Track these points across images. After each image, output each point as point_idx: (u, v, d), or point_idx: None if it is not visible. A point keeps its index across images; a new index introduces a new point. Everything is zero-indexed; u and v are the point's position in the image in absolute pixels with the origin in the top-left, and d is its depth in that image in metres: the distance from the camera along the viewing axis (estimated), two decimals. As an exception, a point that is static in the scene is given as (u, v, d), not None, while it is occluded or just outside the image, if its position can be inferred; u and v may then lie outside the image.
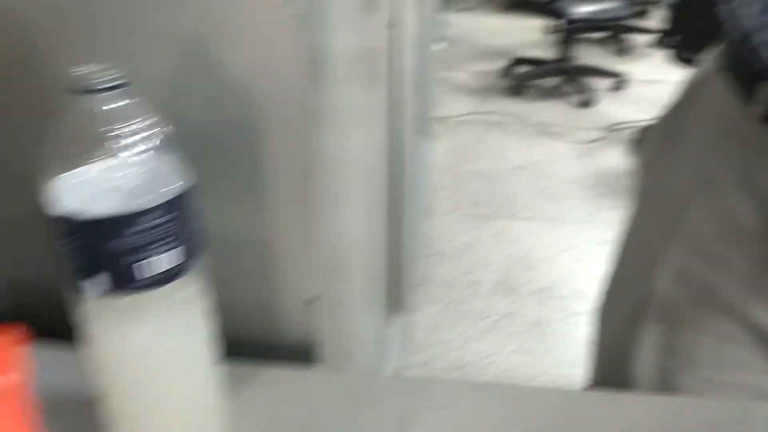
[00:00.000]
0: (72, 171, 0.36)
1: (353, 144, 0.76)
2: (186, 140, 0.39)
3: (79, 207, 0.35)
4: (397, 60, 1.19)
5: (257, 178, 0.49)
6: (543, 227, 2.27)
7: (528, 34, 4.14)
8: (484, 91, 3.43)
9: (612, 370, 0.74)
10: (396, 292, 1.63)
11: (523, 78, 3.46)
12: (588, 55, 3.72)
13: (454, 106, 3.21)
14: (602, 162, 2.69)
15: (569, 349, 1.73)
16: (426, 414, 0.48)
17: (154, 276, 0.37)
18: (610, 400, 0.51)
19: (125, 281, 0.37)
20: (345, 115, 0.67)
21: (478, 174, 2.63)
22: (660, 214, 0.71)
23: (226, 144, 0.48)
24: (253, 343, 0.56)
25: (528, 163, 2.70)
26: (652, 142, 0.74)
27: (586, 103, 3.23)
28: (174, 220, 0.37)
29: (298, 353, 0.57)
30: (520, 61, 3.60)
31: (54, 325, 0.54)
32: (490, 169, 2.66)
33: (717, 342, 0.66)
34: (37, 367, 0.47)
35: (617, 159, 2.68)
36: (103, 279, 0.37)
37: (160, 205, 0.36)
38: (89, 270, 0.36)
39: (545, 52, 3.63)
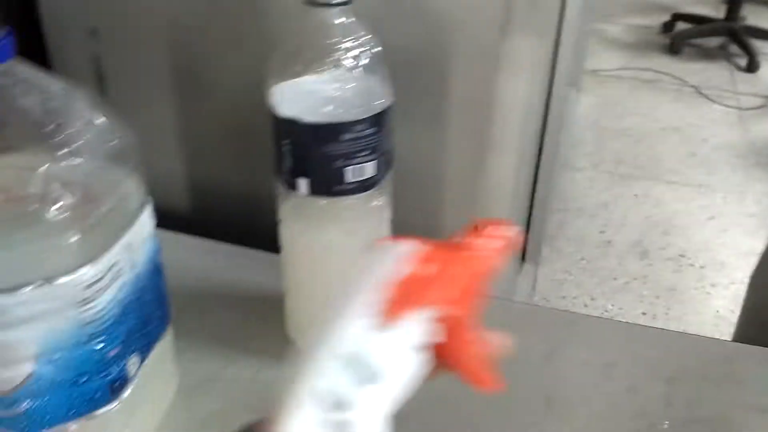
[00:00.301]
0: (297, 79, 0.40)
1: (521, 92, 0.78)
2: (389, 62, 0.42)
3: (300, 112, 0.40)
4: (563, 7, 1.17)
5: (442, 106, 0.52)
6: (688, 193, 2.18)
7: (693, -11, 3.89)
8: (639, 46, 3.28)
9: (763, 331, 0.73)
10: (528, 242, 1.64)
11: (682, 35, 3.27)
12: (757, 15, 3.45)
13: (606, 59, 3.09)
14: (760, 131, 2.52)
15: (701, 318, 1.69)
16: (575, 346, 0.50)
17: (355, 182, 0.41)
18: (762, 354, 0.51)
19: (331, 184, 0.41)
20: (520, 61, 0.69)
21: (623, 132, 2.54)
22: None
23: (421, 71, 0.51)
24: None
25: (679, 125, 2.58)
26: None
27: (749, 68, 3.02)
28: (377, 133, 0.41)
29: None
30: (681, 17, 3.40)
31: (229, 227, 0.61)
32: (638, 128, 2.56)
33: None
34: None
35: (778, 129, 2.51)
36: (312, 180, 0.41)
37: (368, 118, 0.40)
38: (302, 170, 0.41)
39: (709, 9, 3.40)
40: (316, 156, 0.40)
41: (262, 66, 0.41)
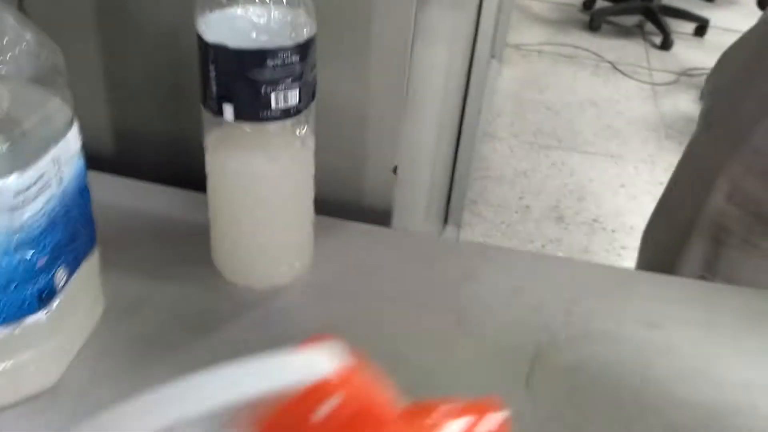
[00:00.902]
0: (225, 9, 0.42)
1: (439, 59, 0.81)
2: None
3: (226, 39, 0.41)
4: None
5: (363, 42, 0.54)
6: (602, 162, 2.28)
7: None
8: (561, 22, 3.38)
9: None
10: (450, 206, 1.69)
11: (602, 13, 3.38)
12: (673, -4, 3.60)
13: (529, 35, 3.17)
14: (672, 105, 2.66)
15: (612, 280, 1.78)
16: (486, 274, 0.54)
17: (280, 108, 0.43)
18: (657, 281, 0.57)
19: (256, 110, 0.43)
20: (439, 31, 0.71)
21: (543, 104, 2.63)
22: (724, 136, 0.75)
23: (343, 4, 0.53)
24: (336, 205, 0.62)
25: (596, 99, 2.69)
26: (727, 68, 0.77)
27: (664, 45, 3.16)
28: (301, 61, 0.43)
29: (377, 219, 0.63)
30: (602, -4, 3.52)
31: (153, 169, 0.62)
32: (556, 100, 2.66)
33: (761, 258, 0.70)
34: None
35: (688, 104, 2.64)
36: (238, 106, 0.43)
37: (293, 46, 0.42)
38: (228, 96, 0.43)
39: (628, -11, 3.52)
40: (241, 82, 0.42)
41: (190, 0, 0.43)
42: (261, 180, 0.47)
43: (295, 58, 0.43)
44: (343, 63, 0.56)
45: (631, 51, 3.13)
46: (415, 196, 0.97)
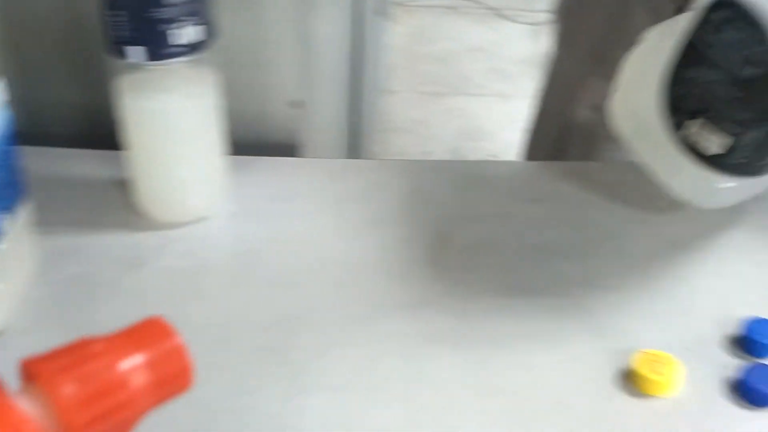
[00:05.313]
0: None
1: (328, 20, 0.85)
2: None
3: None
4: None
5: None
6: (493, 103, 2.39)
7: None
8: (440, -25, 3.45)
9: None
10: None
11: (478, -37, 3.48)
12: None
13: (411, -10, 3.23)
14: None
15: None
16: (390, 183, 0.60)
17: (181, 45, 0.48)
18: (540, 166, 0.64)
19: (158, 48, 0.47)
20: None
21: (433, 55, 2.71)
22: (581, 52, 0.83)
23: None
24: (243, 145, 0.67)
25: (482, 44, 2.79)
26: None
27: (539, -12, 3.29)
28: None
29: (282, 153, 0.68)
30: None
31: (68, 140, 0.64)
32: (445, 50, 2.74)
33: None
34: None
35: (566, 41, 2.78)
36: (140, 46, 0.47)
37: (188, -15, 0.46)
38: (130, 38, 0.47)
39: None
40: (142, 21, 0.46)
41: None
42: (172, 119, 0.51)
43: (192, -3, 0.47)
44: (240, 4, 0.60)
45: (510, -4, 3.24)
46: (325, 142, 1.02)
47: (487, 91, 2.46)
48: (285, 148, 0.69)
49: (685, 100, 0.52)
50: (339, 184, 0.61)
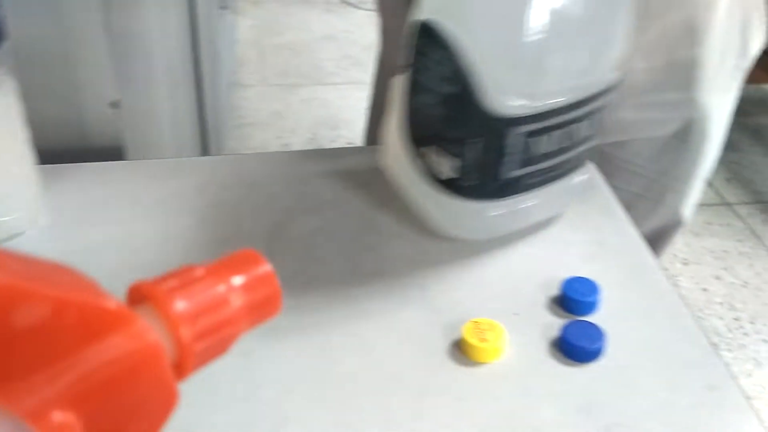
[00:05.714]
0: None
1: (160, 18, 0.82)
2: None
3: None
4: None
5: None
6: (347, 90, 2.40)
7: None
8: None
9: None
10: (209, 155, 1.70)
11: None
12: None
13: (256, -19, 3.18)
14: (400, 29, 2.83)
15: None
16: (227, 179, 0.59)
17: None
18: (364, 150, 0.65)
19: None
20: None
21: (284, 46, 2.68)
22: (399, 44, 0.85)
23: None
24: (63, 151, 0.63)
25: (332, 33, 2.79)
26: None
27: (384, -25, 3.33)
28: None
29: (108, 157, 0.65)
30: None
31: None
32: (296, 41, 2.72)
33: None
34: None
35: (414, 25, 2.83)
36: None
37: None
38: None
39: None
40: None
41: None
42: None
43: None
44: (39, 11, 0.57)
45: (355, -17, 3.26)
46: (163, 142, 0.98)
47: (341, 80, 2.47)
48: (110, 151, 0.66)
49: (419, 127, 0.51)
50: (166, 185, 0.59)
